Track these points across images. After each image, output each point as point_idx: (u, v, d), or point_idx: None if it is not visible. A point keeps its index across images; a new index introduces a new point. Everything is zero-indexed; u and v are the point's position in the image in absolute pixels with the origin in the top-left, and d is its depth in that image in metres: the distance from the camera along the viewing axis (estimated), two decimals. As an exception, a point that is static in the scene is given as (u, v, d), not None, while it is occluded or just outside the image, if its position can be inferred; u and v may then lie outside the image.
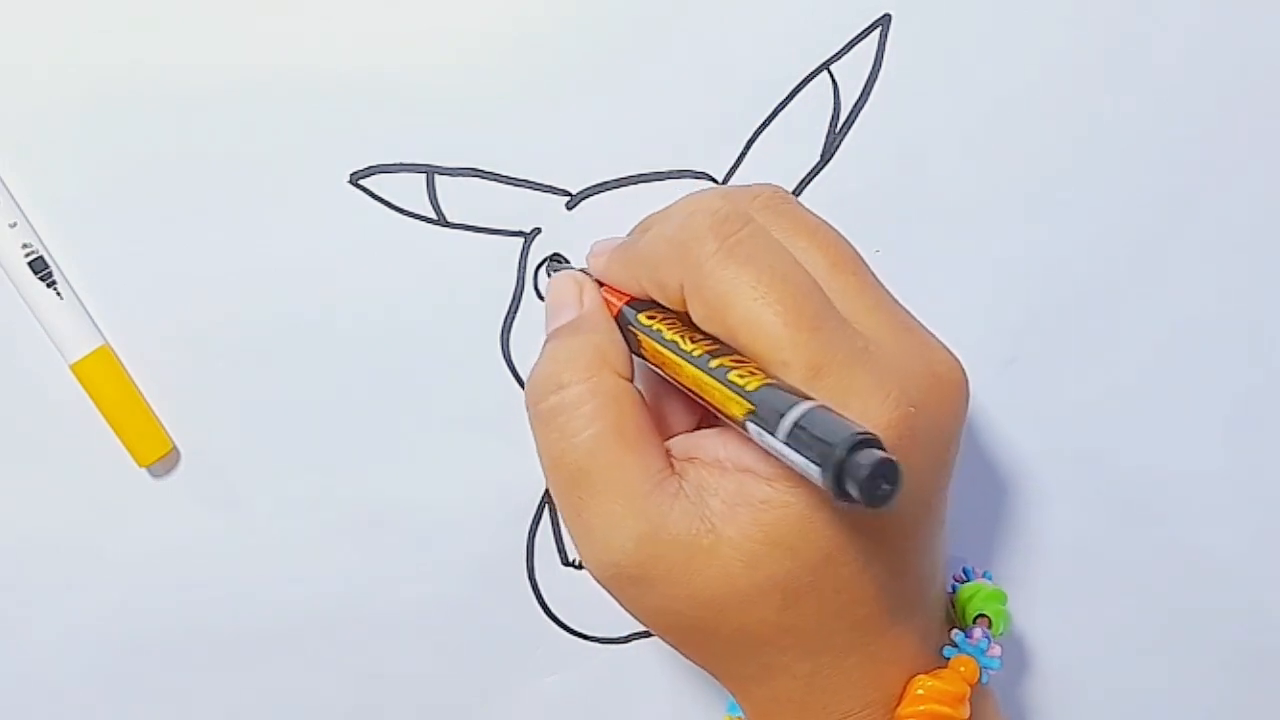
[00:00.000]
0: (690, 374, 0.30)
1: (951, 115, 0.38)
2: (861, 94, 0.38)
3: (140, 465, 0.38)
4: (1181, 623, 0.42)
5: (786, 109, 0.38)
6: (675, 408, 0.35)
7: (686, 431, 0.34)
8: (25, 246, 0.37)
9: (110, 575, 0.39)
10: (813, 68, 0.38)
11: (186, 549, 0.39)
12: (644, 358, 0.33)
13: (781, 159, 0.38)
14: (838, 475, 0.25)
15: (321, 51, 0.37)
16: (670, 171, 0.38)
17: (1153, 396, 0.40)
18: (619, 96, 0.37)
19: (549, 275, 0.37)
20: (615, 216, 0.38)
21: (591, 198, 0.38)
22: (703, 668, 0.33)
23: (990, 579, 0.37)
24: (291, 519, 0.39)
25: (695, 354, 0.30)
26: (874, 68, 0.38)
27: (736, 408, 0.28)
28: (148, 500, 0.39)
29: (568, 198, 0.38)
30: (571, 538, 0.32)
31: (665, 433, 0.33)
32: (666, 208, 0.34)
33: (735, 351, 0.30)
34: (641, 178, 0.38)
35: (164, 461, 0.39)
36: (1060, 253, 0.39)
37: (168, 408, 0.38)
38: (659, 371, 0.32)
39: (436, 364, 0.39)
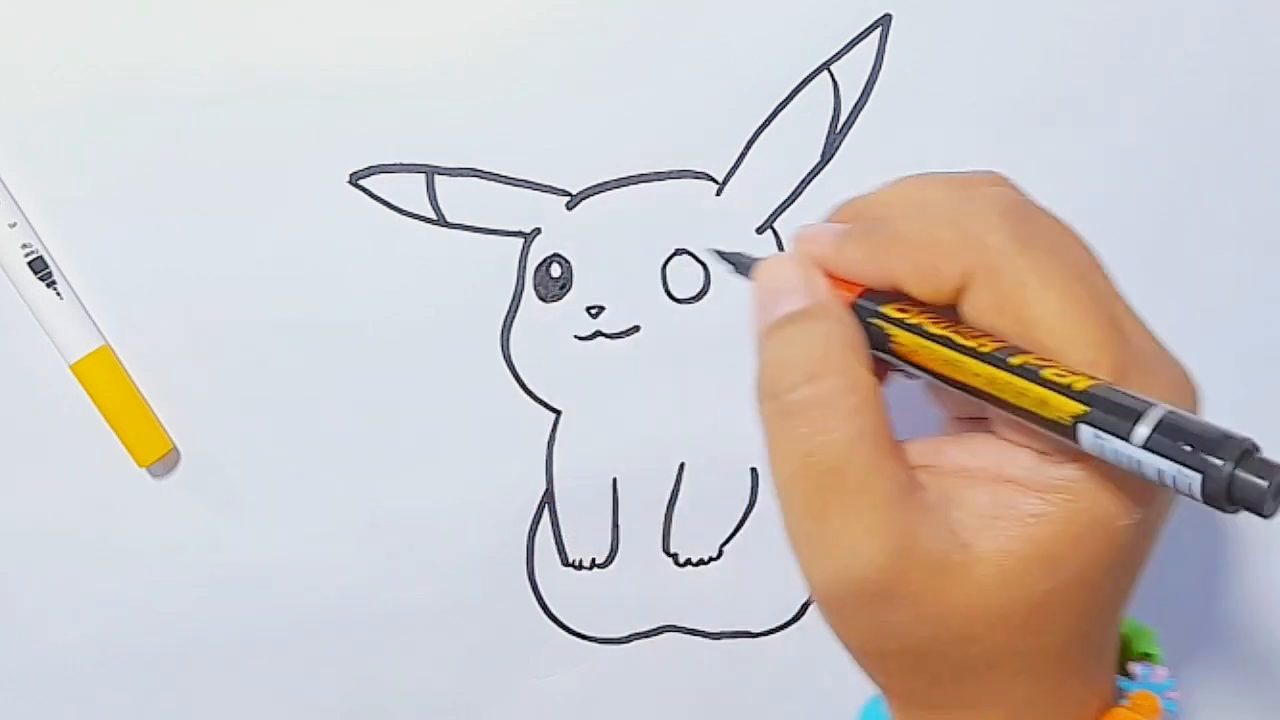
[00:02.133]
0: (980, 372, 0.27)
1: (951, 115, 0.38)
2: (861, 94, 0.38)
3: (140, 465, 0.38)
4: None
5: (786, 109, 0.38)
6: None
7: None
8: (25, 246, 0.37)
9: (110, 575, 0.39)
10: (813, 68, 0.38)
11: (186, 549, 0.39)
12: (892, 355, 0.30)
13: (781, 159, 0.38)
14: (1229, 487, 0.24)
15: (321, 51, 0.37)
16: (670, 171, 0.38)
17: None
18: (619, 96, 0.37)
19: (736, 266, 0.34)
20: (615, 216, 0.38)
21: (591, 198, 0.38)
22: (895, 693, 0.30)
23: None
24: (291, 519, 0.39)
25: (983, 350, 0.27)
26: (874, 68, 0.38)
27: (1058, 410, 0.26)
28: (148, 500, 0.39)
29: (568, 198, 0.38)
30: (801, 544, 0.29)
31: None
32: (889, 192, 0.31)
33: (1023, 349, 0.27)
34: (641, 178, 0.38)
35: (164, 461, 0.38)
36: (1060, 253, 0.39)
37: (168, 408, 0.38)
38: (912, 370, 0.29)
39: (436, 364, 0.39)
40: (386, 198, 0.38)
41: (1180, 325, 0.40)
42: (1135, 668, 0.32)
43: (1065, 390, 0.26)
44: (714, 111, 0.38)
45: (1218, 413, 0.40)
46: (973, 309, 0.28)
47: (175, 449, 0.39)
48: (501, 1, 0.37)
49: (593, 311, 0.39)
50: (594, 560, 0.40)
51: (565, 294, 0.39)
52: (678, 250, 0.38)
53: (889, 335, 0.29)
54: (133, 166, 0.37)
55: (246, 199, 0.37)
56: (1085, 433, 0.25)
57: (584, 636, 0.41)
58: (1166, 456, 0.24)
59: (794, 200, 0.38)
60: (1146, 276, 0.39)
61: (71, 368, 0.37)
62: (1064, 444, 0.27)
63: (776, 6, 0.37)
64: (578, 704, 0.41)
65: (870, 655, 0.30)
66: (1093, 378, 0.26)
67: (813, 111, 0.38)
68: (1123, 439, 0.25)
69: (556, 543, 0.40)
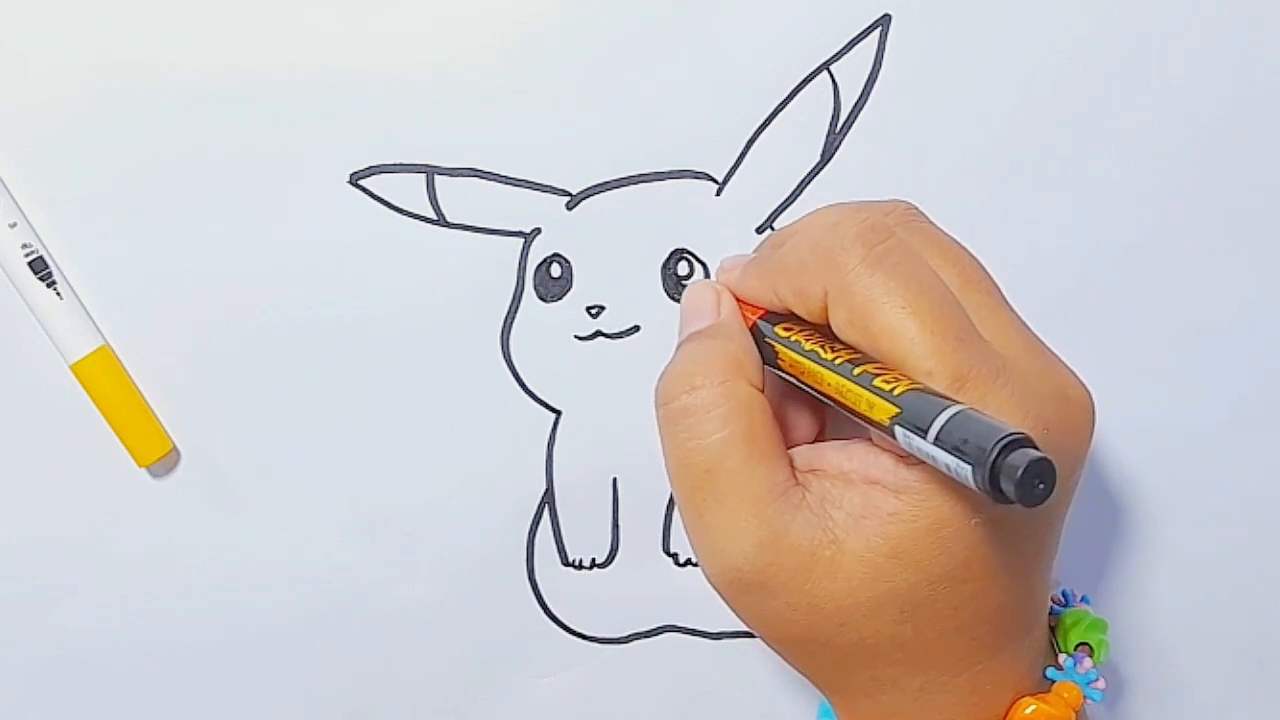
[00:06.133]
0: (832, 381, 0.30)
1: (951, 115, 0.38)
2: (861, 94, 0.38)
3: (140, 465, 0.38)
4: (1182, 622, 0.42)
5: (786, 109, 0.38)
6: (797, 422, 0.35)
7: (807, 444, 0.34)
8: (25, 246, 0.37)
9: (110, 575, 0.39)
10: (813, 68, 0.38)
11: (186, 549, 0.39)
12: (779, 370, 0.33)
13: (781, 159, 0.38)
14: (992, 474, 0.25)
15: (322, 51, 0.37)
16: (670, 171, 0.38)
17: (1152, 398, 0.40)
18: (619, 96, 0.37)
19: (681, 286, 0.38)
20: (615, 216, 0.38)
21: (591, 198, 0.38)
22: (808, 677, 0.33)
23: (1089, 603, 0.37)
24: (291, 519, 0.39)
25: (836, 362, 0.30)
26: (874, 68, 0.38)
27: (881, 412, 0.28)
28: (148, 500, 0.39)
29: (568, 198, 0.38)
30: (689, 539, 0.32)
31: (786, 445, 0.33)
32: (797, 222, 0.34)
33: (876, 360, 0.30)
34: (641, 178, 0.38)
35: (164, 461, 0.39)
36: (1060, 253, 0.39)
37: (168, 408, 0.38)
38: (795, 382, 0.32)
39: (436, 364, 0.39)
40: (386, 198, 0.38)
41: (1182, 326, 0.40)
42: (1063, 659, 0.33)
43: (887, 395, 0.28)
44: (714, 111, 0.38)
45: (1216, 414, 0.40)
46: (834, 324, 0.31)
47: (175, 449, 0.39)
48: (501, 1, 0.37)
49: (593, 311, 0.39)
50: (594, 560, 0.40)
51: (565, 294, 0.39)
52: (678, 250, 0.38)
53: (777, 352, 0.33)
54: (133, 166, 0.37)
55: (246, 199, 0.37)
56: (899, 432, 0.28)
57: (584, 636, 0.41)
58: (949, 450, 0.26)
59: (794, 200, 0.38)
60: (1148, 276, 0.39)
61: (71, 368, 0.37)
62: (876, 450, 0.30)
63: (776, 6, 0.37)
64: (578, 704, 0.41)
65: (769, 640, 0.32)
66: (914, 384, 0.28)
67: (813, 111, 0.38)
68: (921, 436, 0.27)
69: (556, 543, 0.40)
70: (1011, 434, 0.25)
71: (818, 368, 0.31)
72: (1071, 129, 0.38)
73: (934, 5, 0.37)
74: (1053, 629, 0.35)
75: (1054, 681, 0.33)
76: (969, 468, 0.26)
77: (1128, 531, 0.41)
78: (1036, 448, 0.25)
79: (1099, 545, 0.41)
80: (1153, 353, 0.40)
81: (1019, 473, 0.25)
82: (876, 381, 0.29)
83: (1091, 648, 0.35)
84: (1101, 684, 0.34)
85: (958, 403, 0.27)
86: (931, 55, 0.38)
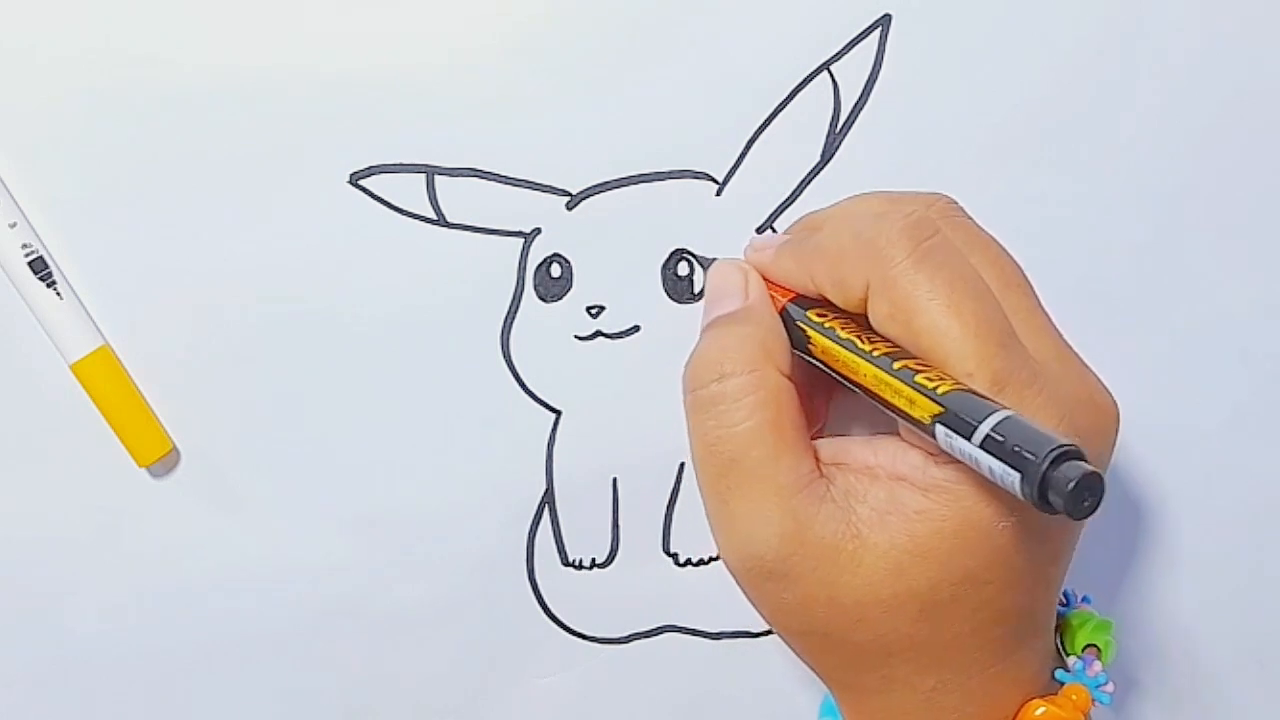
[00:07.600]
0: (868, 373, 0.30)
1: (952, 115, 0.38)
2: (861, 94, 0.38)
3: (140, 465, 0.38)
4: (1182, 623, 0.42)
5: (786, 109, 0.38)
6: (808, 409, 0.35)
7: (814, 434, 0.34)
8: (25, 246, 0.37)
9: (110, 575, 0.39)
10: (813, 68, 0.38)
11: (186, 549, 0.39)
12: (808, 354, 0.32)
13: (781, 159, 0.38)
14: (1042, 485, 0.25)
15: (321, 51, 0.37)
16: (670, 171, 0.38)
17: (1152, 398, 0.40)
18: (619, 96, 0.37)
19: (702, 266, 0.37)
20: (615, 216, 0.38)
21: (591, 198, 0.38)
22: (819, 673, 0.33)
23: (1090, 603, 0.37)
24: (291, 519, 0.39)
25: (875, 354, 0.30)
26: (874, 68, 0.38)
27: (922, 410, 0.28)
28: (148, 500, 0.39)
29: (568, 198, 0.38)
30: (712, 527, 0.32)
31: None
32: (833, 207, 0.34)
33: (915, 356, 0.30)
34: (642, 178, 0.38)
35: (164, 461, 0.39)
36: (1060, 253, 0.39)
37: (168, 408, 0.38)
38: (823, 368, 0.32)
39: (436, 364, 0.39)
40: (386, 198, 0.38)
41: (1183, 325, 0.40)
42: (1072, 661, 0.33)
43: (930, 393, 0.28)
44: (714, 111, 0.38)
45: (1216, 415, 0.40)
46: (873, 316, 0.30)
47: (175, 449, 0.39)
48: (501, 1, 0.37)
49: (593, 311, 0.39)
50: (594, 560, 0.40)
51: (565, 294, 0.39)
52: (678, 250, 0.38)
53: (809, 337, 0.32)
54: (133, 166, 0.37)
55: (247, 199, 0.37)
56: (940, 431, 0.28)
57: (584, 636, 0.41)
58: (996, 455, 0.26)
59: (794, 200, 0.38)
60: (1148, 277, 0.39)
61: (71, 368, 0.37)
62: (903, 446, 0.30)
63: (776, 6, 0.37)
64: (578, 704, 0.41)
65: (784, 632, 0.32)
66: (958, 384, 0.28)
67: (813, 111, 0.38)
68: (965, 438, 0.27)
69: (556, 543, 0.40)
70: (1063, 445, 0.25)
71: (854, 357, 0.31)
72: (1071, 128, 0.38)
73: (934, 5, 0.37)
74: (1058, 630, 0.35)
75: (1062, 683, 0.33)
76: (1016, 475, 0.26)
77: (1128, 531, 0.41)
78: (1086, 460, 0.25)
79: (1099, 545, 0.41)
80: (1153, 353, 0.40)
81: (1070, 486, 0.25)
82: (919, 378, 0.29)
83: (1099, 649, 0.35)
84: (1110, 687, 0.33)
85: (1004, 407, 0.27)
86: (931, 55, 0.38)
